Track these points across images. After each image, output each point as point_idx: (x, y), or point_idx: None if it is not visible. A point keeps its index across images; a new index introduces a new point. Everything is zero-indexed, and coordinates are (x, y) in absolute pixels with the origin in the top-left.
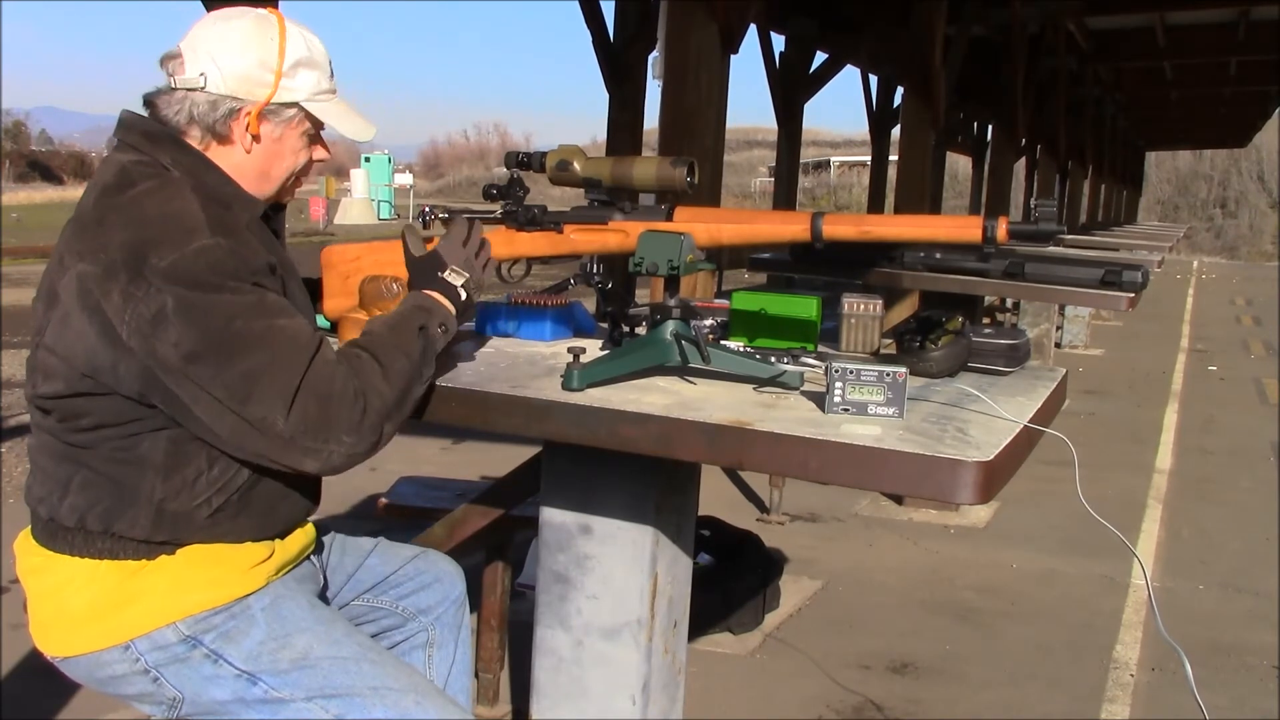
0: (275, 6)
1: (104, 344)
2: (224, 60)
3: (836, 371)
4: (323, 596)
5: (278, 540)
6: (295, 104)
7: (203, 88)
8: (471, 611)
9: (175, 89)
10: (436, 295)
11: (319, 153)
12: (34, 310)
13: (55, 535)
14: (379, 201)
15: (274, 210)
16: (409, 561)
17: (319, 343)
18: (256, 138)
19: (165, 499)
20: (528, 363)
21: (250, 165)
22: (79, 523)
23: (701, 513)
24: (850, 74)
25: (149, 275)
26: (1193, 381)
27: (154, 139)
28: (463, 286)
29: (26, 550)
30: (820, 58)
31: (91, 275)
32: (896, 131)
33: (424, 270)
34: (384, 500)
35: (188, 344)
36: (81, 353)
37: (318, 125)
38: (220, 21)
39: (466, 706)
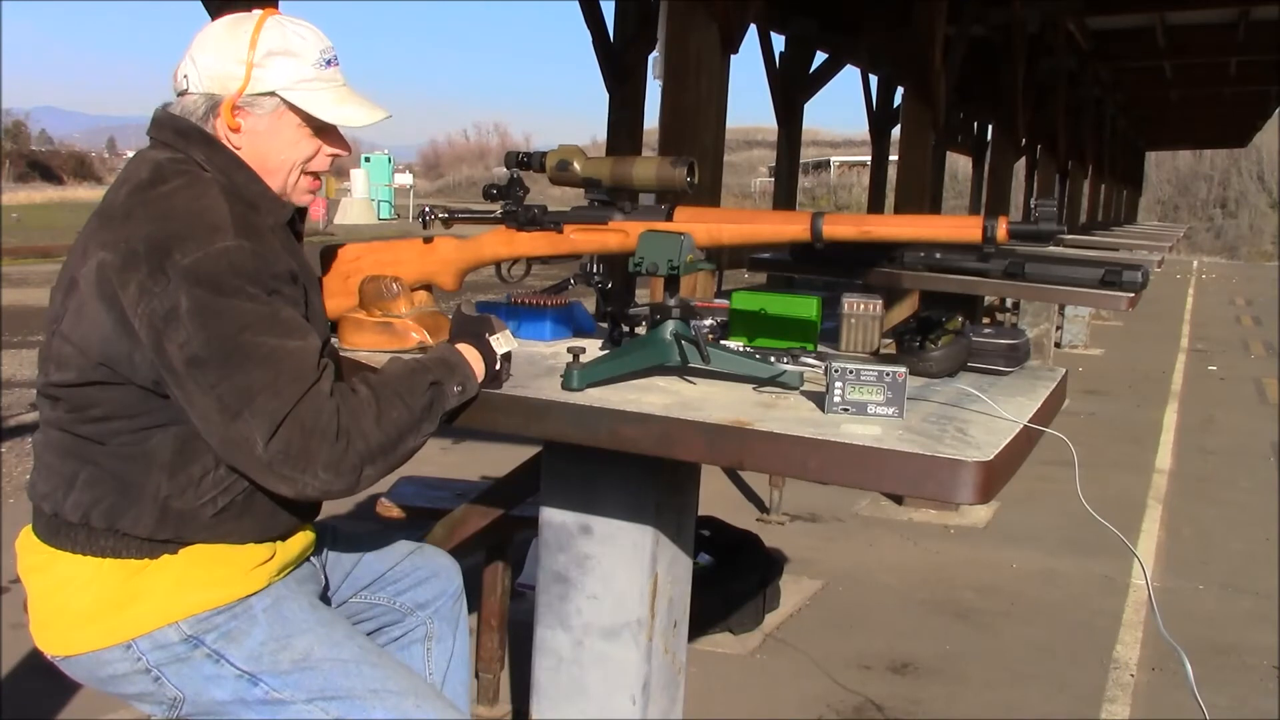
0: (275, 6)
1: (119, 333)
2: (201, 59)
3: (836, 371)
4: (323, 596)
5: (279, 541)
6: (271, 93)
7: (186, 90)
8: (471, 611)
9: (178, 97)
10: (468, 352)
11: (331, 145)
12: (51, 299)
13: (58, 532)
14: (379, 201)
15: (296, 214)
16: (405, 557)
17: (321, 371)
18: (236, 130)
19: (170, 496)
20: (528, 363)
21: (249, 162)
22: (83, 519)
23: (701, 513)
24: (850, 74)
25: (169, 271)
26: (1193, 381)
27: (186, 136)
28: (503, 356)
29: (28, 548)
30: (820, 58)
31: (111, 265)
32: (896, 131)
33: (470, 325)
34: (384, 500)
35: (193, 347)
36: (97, 342)
37: (304, 115)
38: (207, 26)
39: (465, 700)
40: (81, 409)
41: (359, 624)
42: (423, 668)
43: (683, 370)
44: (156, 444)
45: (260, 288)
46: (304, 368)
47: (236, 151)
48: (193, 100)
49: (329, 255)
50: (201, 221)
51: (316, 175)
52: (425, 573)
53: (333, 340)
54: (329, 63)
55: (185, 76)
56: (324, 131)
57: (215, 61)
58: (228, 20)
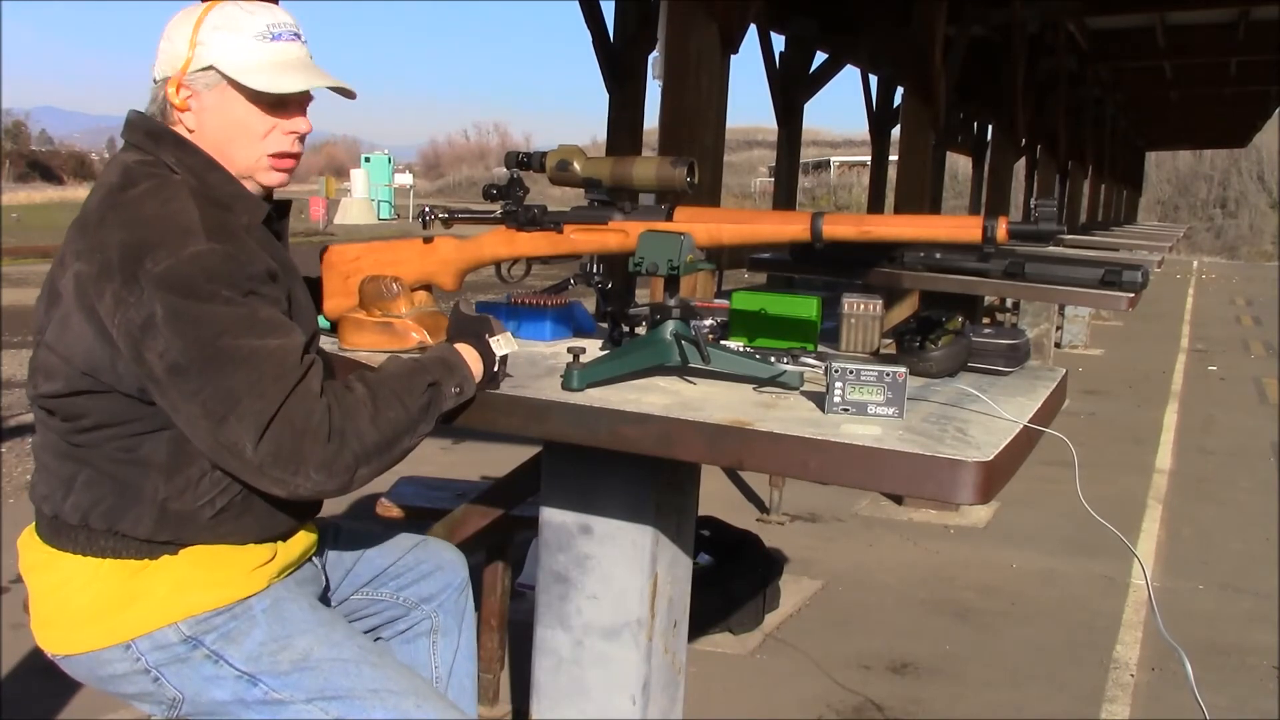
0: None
1: (101, 343)
2: (160, 48)
3: (836, 371)
4: (324, 596)
5: (280, 542)
6: (210, 67)
7: (154, 81)
8: None
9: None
10: (467, 353)
11: (292, 122)
12: (36, 310)
13: (59, 533)
14: (379, 201)
15: (279, 212)
16: (408, 551)
17: (306, 369)
18: (184, 109)
19: (168, 498)
20: (528, 363)
21: (204, 144)
22: (82, 520)
23: (701, 513)
24: (850, 74)
25: (142, 280)
26: (1193, 381)
27: (157, 138)
28: (501, 358)
29: (30, 547)
30: (820, 58)
31: (88, 275)
32: (896, 131)
33: (470, 326)
34: (384, 500)
35: (173, 355)
36: (81, 352)
37: (244, 89)
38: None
39: (472, 691)
40: (73, 418)
41: (362, 620)
42: (428, 661)
43: (683, 370)
44: (151, 448)
45: (235, 290)
46: (287, 365)
47: (190, 135)
48: (155, 89)
49: (329, 255)
50: (172, 226)
51: (285, 154)
52: (429, 566)
53: (327, 339)
54: (277, 36)
55: (153, 68)
56: (278, 108)
57: (169, 45)
58: (186, 9)
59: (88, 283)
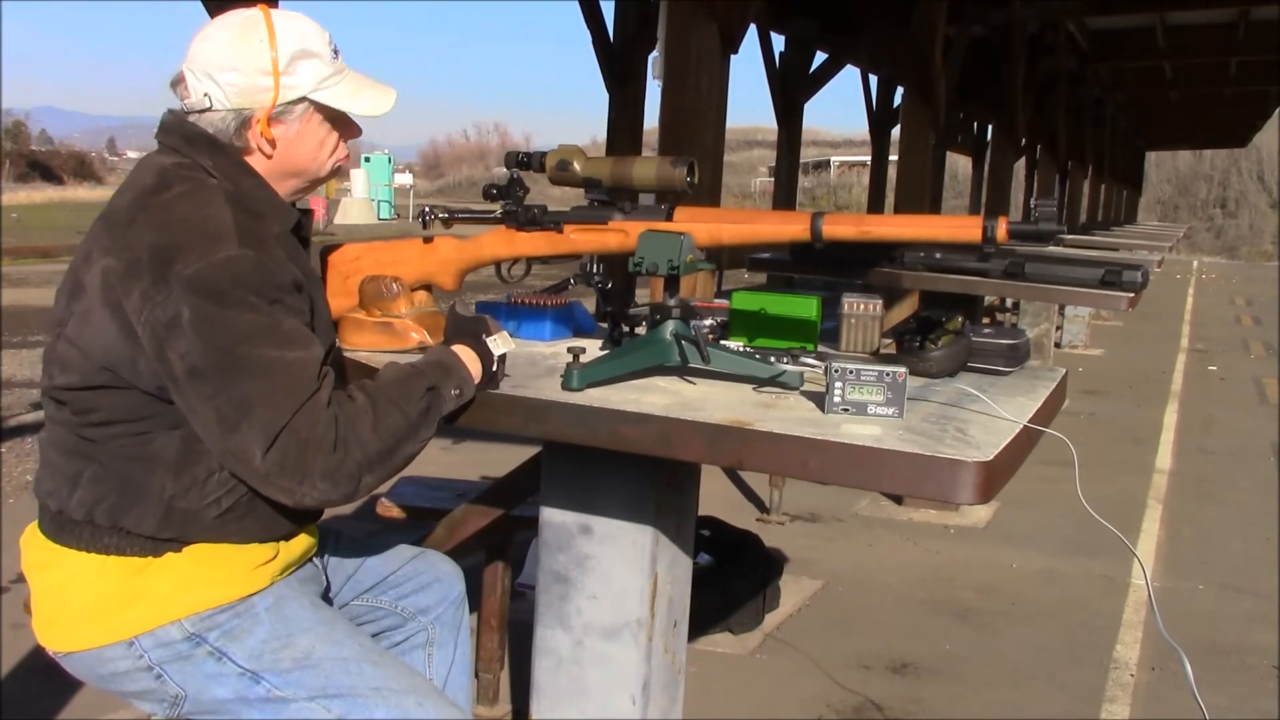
0: (274, 2)
1: (123, 340)
2: (221, 76)
3: (836, 371)
4: (325, 597)
5: (282, 542)
6: (302, 99)
7: (210, 108)
8: (471, 611)
9: (189, 112)
10: (464, 354)
11: (350, 129)
12: (56, 302)
13: (63, 529)
14: (379, 201)
15: (302, 218)
16: (408, 562)
17: (321, 381)
18: (273, 142)
19: (175, 496)
20: (528, 363)
21: (276, 168)
22: (87, 517)
23: (701, 513)
24: (850, 74)
25: (172, 281)
26: (1193, 381)
27: (193, 142)
28: (499, 358)
29: (33, 544)
30: (820, 58)
31: (115, 271)
32: (896, 131)
33: (466, 326)
34: (384, 500)
35: (193, 357)
36: (101, 347)
37: (328, 110)
38: (209, 37)
39: (466, 706)
40: (85, 412)
41: (361, 627)
42: (424, 674)
43: (683, 370)
44: (161, 445)
45: (262, 298)
46: (303, 379)
47: (267, 159)
48: (220, 118)
49: (329, 255)
50: (204, 230)
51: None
52: (428, 578)
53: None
54: (336, 52)
55: (207, 95)
56: (340, 120)
57: (239, 77)
58: (232, 28)
59: (115, 279)
